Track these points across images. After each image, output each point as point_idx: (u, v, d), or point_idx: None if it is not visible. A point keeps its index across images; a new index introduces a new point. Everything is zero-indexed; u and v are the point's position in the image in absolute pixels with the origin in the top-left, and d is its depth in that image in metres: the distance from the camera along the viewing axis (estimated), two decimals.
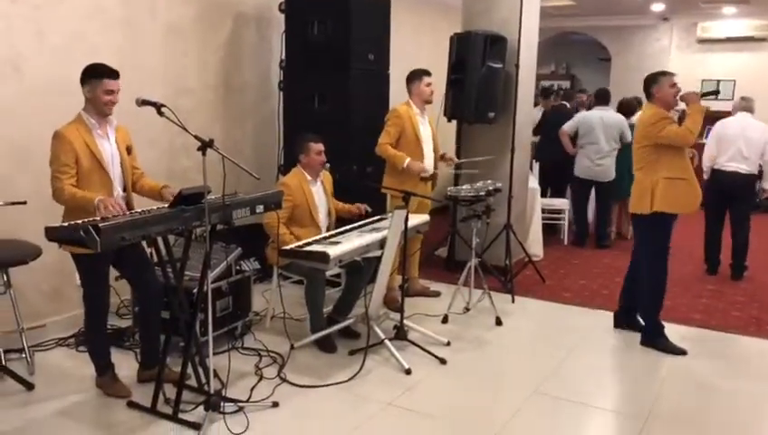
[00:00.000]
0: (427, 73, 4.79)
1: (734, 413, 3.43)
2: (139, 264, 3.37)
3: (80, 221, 2.77)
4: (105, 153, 3.20)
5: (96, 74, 3.14)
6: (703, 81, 9.95)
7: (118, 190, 3.25)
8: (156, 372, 3.30)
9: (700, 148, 5.95)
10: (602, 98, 7.07)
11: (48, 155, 3.10)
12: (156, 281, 3.41)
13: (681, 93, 4.05)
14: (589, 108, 7.53)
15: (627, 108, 6.99)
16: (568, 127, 7.01)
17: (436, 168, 4.94)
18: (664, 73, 4.13)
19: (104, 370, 3.40)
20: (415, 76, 4.80)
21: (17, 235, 3.72)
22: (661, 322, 4.23)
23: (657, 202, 3.97)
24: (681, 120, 4.05)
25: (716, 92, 4.41)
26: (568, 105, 8.03)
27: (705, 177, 5.96)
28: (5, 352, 3.59)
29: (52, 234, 2.78)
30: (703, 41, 10.43)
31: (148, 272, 3.39)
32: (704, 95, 4.10)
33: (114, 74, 3.17)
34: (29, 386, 3.40)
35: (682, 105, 4.16)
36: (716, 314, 4.93)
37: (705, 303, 5.22)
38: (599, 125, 6.78)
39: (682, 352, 4.11)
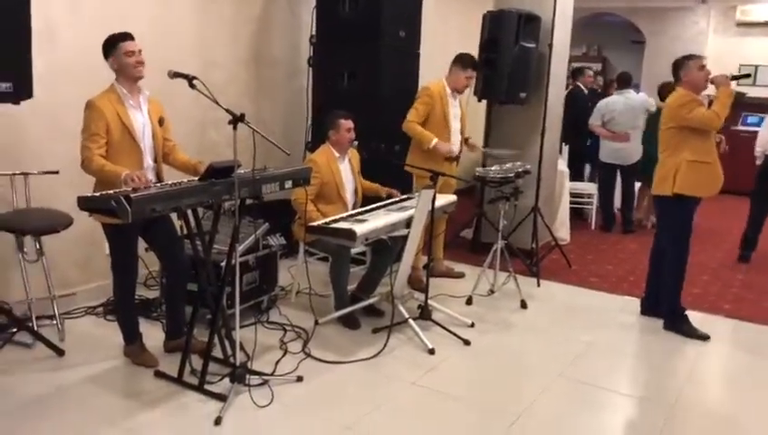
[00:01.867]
0: (475, 67, 4.68)
1: (761, 406, 3.37)
2: (168, 237, 3.39)
3: (111, 191, 2.79)
4: (137, 124, 3.21)
5: (112, 43, 3.15)
6: (740, 65, 9.68)
7: (148, 162, 3.26)
8: (181, 341, 3.36)
9: (728, 133, 5.84)
10: (625, 81, 7.03)
11: (81, 125, 3.12)
12: (183, 254, 3.44)
13: (711, 76, 4.00)
14: (603, 91, 7.44)
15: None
16: (594, 119, 6.94)
17: (460, 149, 4.90)
18: (691, 57, 4.08)
19: (132, 339, 3.46)
20: (459, 62, 4.67)
21: (50, 204, 3.77)
22: (682, 305, 4.20)
23: (679, 184, 3.97)
24: (710, 105, 4.00)
25: (748, 75, 4.36)
26: (583, 88, 7.82)
27: (758, 162, 5.91)
28: (37, 318, 3.66)
29: (84, 203, 2.81)
30: (742, 24, 10.14)
31: (177, 245, 3.42)
32: (734, 78, 4.02)
33: (128, 36, 3.17)
34: (60, 352, 3.46)
35: (712, 90, 4.08)
36: (746, 305, 4.84)
37: (734, 292, 5.13)
38: (622, 109, 6.77)
39: (704, 337, 4.08)
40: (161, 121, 3.35)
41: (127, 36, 3.17)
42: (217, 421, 2.88)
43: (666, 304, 4.24)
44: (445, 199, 4.31)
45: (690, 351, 3.97)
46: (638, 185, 7.15)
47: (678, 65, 4.07)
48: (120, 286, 3.38)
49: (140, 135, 3.22)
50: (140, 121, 3.23)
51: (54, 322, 3.68)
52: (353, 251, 4.16)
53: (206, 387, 3.12)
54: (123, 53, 3.13)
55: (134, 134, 3.18)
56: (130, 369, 3.38)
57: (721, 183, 4.05)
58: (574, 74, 7.88)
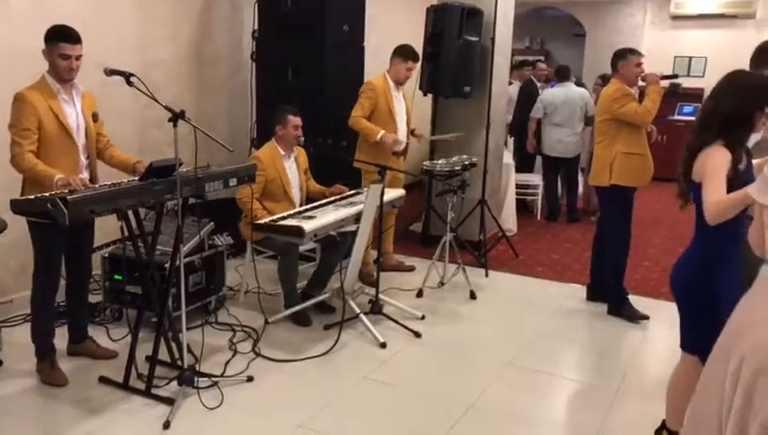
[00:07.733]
0: (415, 58, 4.71)
1: None
2: (85, 240, 3.32)
3: (47, 194, 2.69)
4: (70, 119, 3.07)
5: (52, 37, 2.97)
6: (675, 57, 10.02)
7: (82, 160, 3.14)
8: (85, 345, 3.41)
9: (665, 123, 6.03)
10: (563, 74, 7.14)
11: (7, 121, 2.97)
12: (90, 261, 3.42)
13: (643, 74, 4.18)
14: (545, 81, 7.59)
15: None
16: (536, 112, 7.06)
17: (407, 142, 4.92)
18: (632, 51, 4.24)
19: (45, 354, 3.23)
20: (399, 54, 4.71)
21: None
22: (625, 288, 4.34)
23: (615, 175, 4.13)
24: (641, 96, 4.18)
25: (676, 76, 4.75)
26: (535, 80, 7.92)
27: None
28: None
29: (18, 207, 2.71)
30: (676, 17, 10.47)
31: (88, 251, 3.39)
32: (664, 78, 4.20)
33: (72, 38, 2.97)
34: None
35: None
36: None
37: None
38: (562, 103, 6.92)
39: (644, 317, 4.25)
40: (95, 117, 3.22)
41: (71, 38, 2.98)
42: (166, 425, 2.82)
43: (609, 289, 4.37)
44: (393, 194, 4.32)
45: (634, 335, 4.09)
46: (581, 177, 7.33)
47: (619, 56, 4.21)
48: (41, 292, 3.15)
49: (74, 131, 3.09)
50: (74, 117, 3.10)
51: None
52: (302, 248, 4.13)
53: (154, 391, 3.06)
54: (58, 53, 2.96)
55: (69, 130, 3.05)
56: (74, 376, 3.26)
57: (651, 174, 4.22)
58: (533, 66, 7.99)
